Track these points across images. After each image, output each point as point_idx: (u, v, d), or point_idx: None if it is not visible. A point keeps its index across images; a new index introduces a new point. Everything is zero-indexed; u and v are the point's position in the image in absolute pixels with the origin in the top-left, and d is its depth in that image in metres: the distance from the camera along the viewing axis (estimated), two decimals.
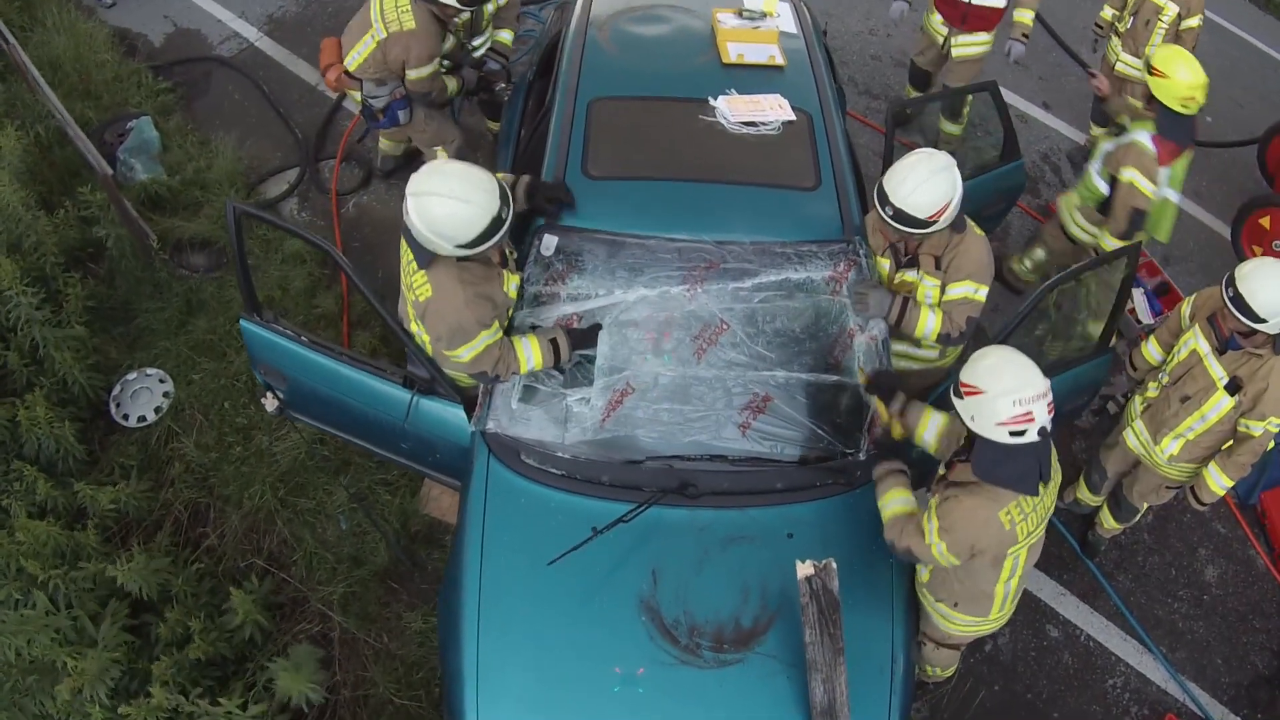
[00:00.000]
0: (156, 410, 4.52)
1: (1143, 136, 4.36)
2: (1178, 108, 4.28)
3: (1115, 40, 5.66)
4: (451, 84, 4.88)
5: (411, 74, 4.64)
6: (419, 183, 2.93)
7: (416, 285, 3.11)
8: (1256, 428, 3.59)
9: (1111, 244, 4.57)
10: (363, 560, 4.07)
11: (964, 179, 4.39)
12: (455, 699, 2.96)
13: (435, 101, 4.98)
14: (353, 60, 4.66)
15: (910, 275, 3.59)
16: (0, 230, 4.55)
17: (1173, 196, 4.55)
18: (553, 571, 3.02)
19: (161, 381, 4.63)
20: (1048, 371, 3.77)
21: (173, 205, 5.41)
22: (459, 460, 3.41)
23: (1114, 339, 3.98)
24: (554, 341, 3.23)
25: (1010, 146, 4.59)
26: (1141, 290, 5.58)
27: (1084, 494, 4.53)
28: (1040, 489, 2.83)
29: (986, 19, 5.28)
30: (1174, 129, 4.32)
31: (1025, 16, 5.39)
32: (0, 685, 3.34)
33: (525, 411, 3.31)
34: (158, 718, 3.20)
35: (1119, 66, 5.67)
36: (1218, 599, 4.63)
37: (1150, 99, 4.39)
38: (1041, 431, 2.75)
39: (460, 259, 3.00)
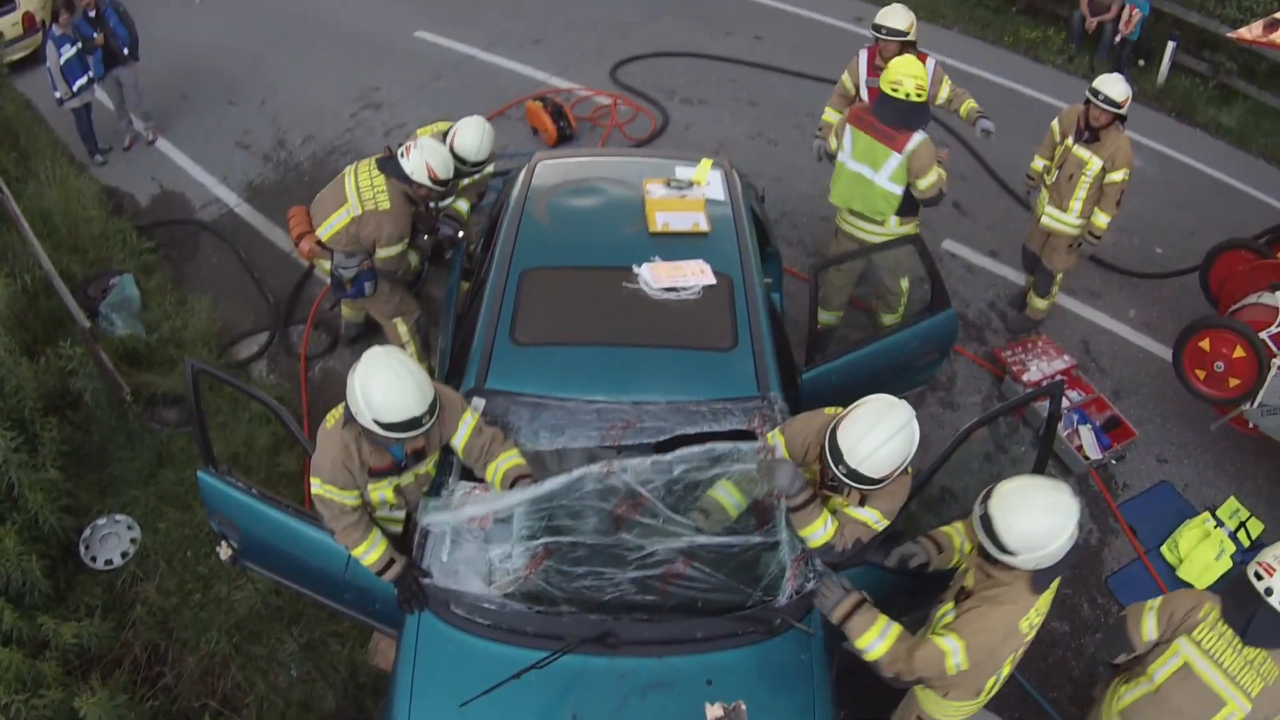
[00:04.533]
0: (123, 554, 5.09)
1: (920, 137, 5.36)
2: (898, 94, 5.28)
3: (1044, 192, 6.18)
4: (414, 259, 5.51)
5: (382, 252, 5.26)
6: (383, 356, 3.42)
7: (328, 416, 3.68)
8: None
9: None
10: (311, 706, 4.53)
11: (897, 330, 5.03)
12: None
13: (401, 278, 5.58)
14: (325, 231, 5.26)
15: (834, 497, 3.71)
16: None
17: (850, 165, 5.57)
18: (478, 716, 3.41)
19: (129, 528, 5.20)
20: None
21: (149, 360, 6.10)
22: (395, 611, 3.86)
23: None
24: (393, 561, 3.73)
25: (939, 296, 5.07)
26: (1090, 426, 6.07)
27: None
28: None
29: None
30: (882, 107, 5.36)
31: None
32: None
33: (455, 564, 3.75)
34: None
35: (1044, 220, 6.18)
36: None
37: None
38: None
39: (361, 431, 3.50)
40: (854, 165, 5.57)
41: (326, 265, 5.41)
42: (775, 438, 3.74)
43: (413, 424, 3.41)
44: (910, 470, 3.58)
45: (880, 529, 3.63)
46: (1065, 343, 6.74)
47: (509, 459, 3.77)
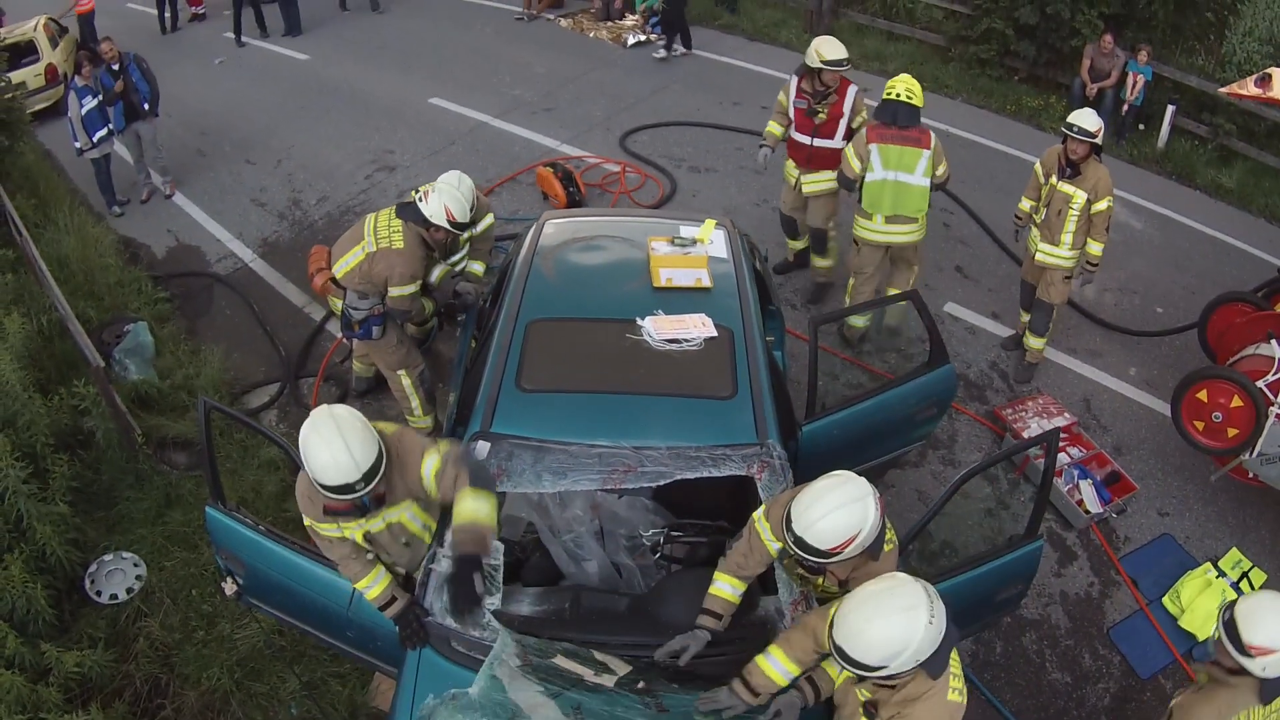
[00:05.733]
0: (128, 590, 5.23)
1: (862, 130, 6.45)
2: (890, 96, 6.25)
3: (1034, 231, 6.60)
4: (428, 305, 5.73)
5: (393, 291, 5.46)
6: (325, 416, 3.44)
7: None
8: None
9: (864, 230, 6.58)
10: None
11: (896, 385, 5.18)
12: None
13: (414, 320, 5.78)
14: (341, 268, 5.50)
15: (819, 579, 3.82)
16: None
17: (889, 176, 6.32)
18: None
19: (135, 565, 5.36)
20: (975, 564, 4.37)
21: (160, 405, 6.31)
22: (397, 649, 3.96)
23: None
24: (395, 598, 3.82)
25: (937, 352, 5.21)
26: (1090, 481, 6.18)
27: None
28: None
29: (828, 159, 6.85)
30: (896, 113, 6.24)
31: None
32: None
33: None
34: None
35: (1038, 256, 6.58)
36: None
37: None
38: None
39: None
40: (891, 175, 6.34)
41: (338, 304, 5.61)
42: (760, 522, 3.68)
43: (345, 489, 3.45)
44: (891, 545, 3.53)
45: None
46: (1066, 401, 6.88)
47: (464, 509, 3.58)
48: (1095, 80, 10.62)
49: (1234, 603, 3.27)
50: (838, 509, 3.24)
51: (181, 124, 10.44)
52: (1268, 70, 6.41)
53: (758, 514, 3.68)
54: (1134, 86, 10.40)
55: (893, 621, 2.86)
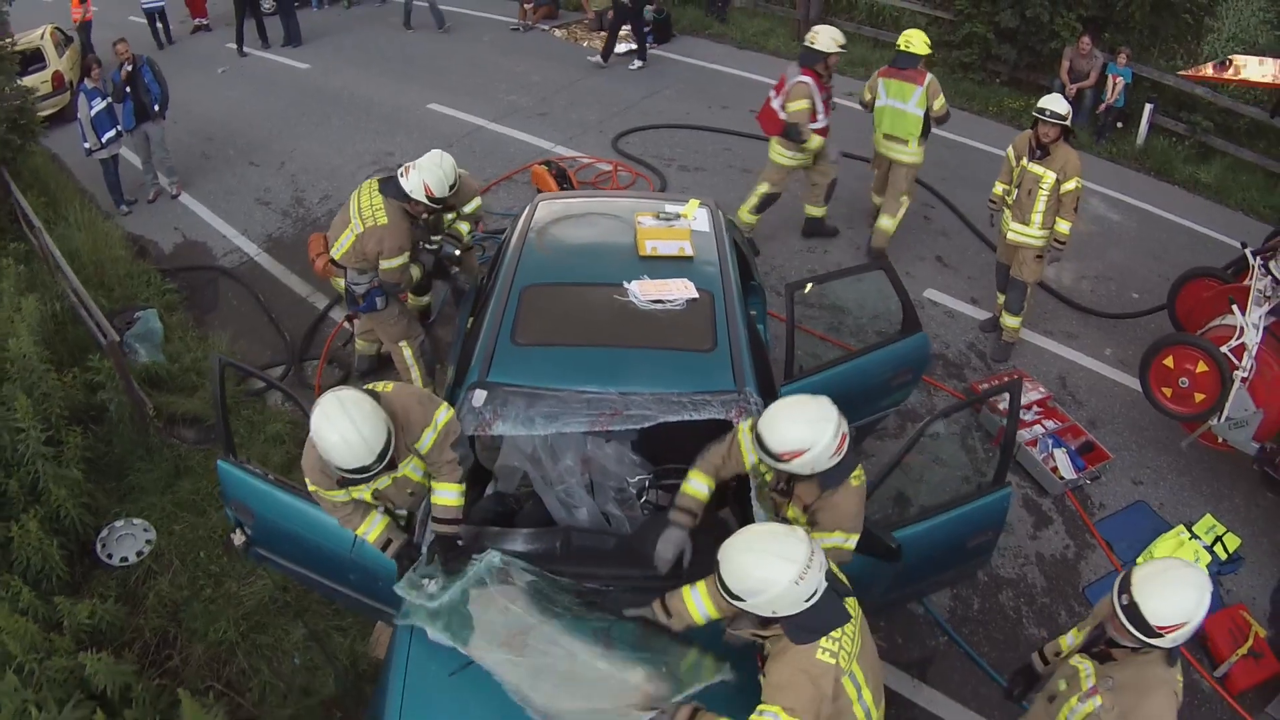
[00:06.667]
0: (138, 554, 5.47)
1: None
2: (902, 47, 7.73)
3: (1007, 212, 6.94)
4: (415, 271, 6.05)
5: (384, 264, 5.78)
6: (334, 404, 3.55)
7: None
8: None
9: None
10: (312, 691, 4.84)
11: (871, 350, 5.46)
12: None
13: (406, 289, 6.10)
14: (338, 250, 5.85)
15: (787, 505, 3.89)
16: (15, 375, 5.65)
17: (889, 103, 7.84)
18: (470, 694, 3.67)
19: (145, 530, 5.60)
20: (945, 509, 4.60)
21: (170, 385, 6.59)
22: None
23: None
24: (392, 540, 4.07)
25: (909, 320, 5.52)
26: (1065, 450, 6.43)
27: None
28: (849, 608, 3.10)
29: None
30: (899, 60, 7.75)
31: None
32: None
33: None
34: None
35: (1010, 235, 6.92)
36: None
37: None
38: (829, 576, 3.03)
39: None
40: (891, 102, 7.84)
41: (341, 283, 5.99)
42: (745, 432, 3.96)
43: (360, 471, 3.63)
44: (858, 482, 3.68)
45: (852, 545, 3.76)
46: (1043, 379, 7.14)
47: (442, 494, 3.96)
48: (1074, 81, 10.97)
49: (1126, 579, 3.12)
50: (798, 421, 3.48)
51: (187, 130, 10.79)
52: (1230, 56, 6.73)
53: (744, 424, 3.95)
54: (1114, 89, 10.75)
55: (763, 562, 2.95)
